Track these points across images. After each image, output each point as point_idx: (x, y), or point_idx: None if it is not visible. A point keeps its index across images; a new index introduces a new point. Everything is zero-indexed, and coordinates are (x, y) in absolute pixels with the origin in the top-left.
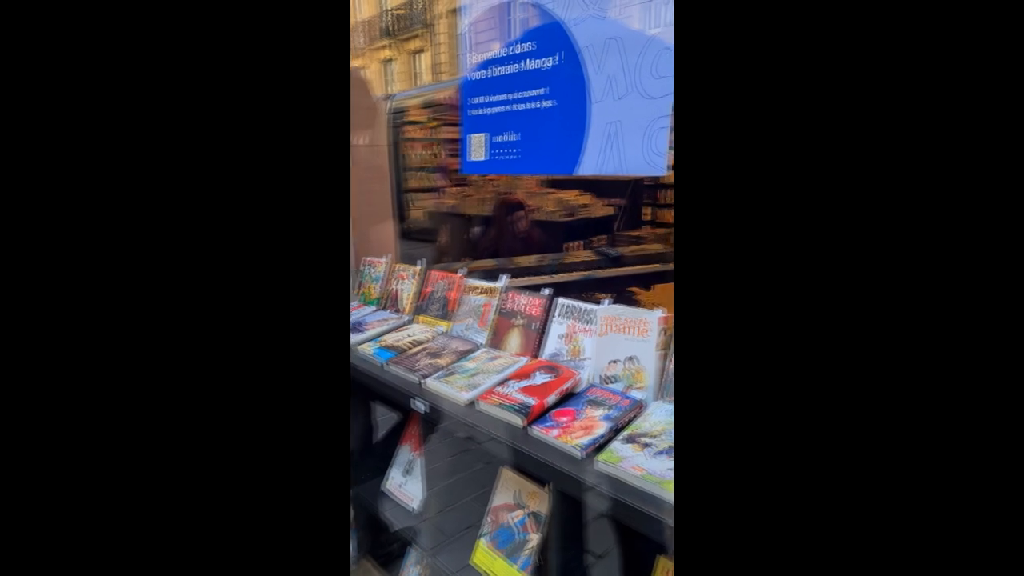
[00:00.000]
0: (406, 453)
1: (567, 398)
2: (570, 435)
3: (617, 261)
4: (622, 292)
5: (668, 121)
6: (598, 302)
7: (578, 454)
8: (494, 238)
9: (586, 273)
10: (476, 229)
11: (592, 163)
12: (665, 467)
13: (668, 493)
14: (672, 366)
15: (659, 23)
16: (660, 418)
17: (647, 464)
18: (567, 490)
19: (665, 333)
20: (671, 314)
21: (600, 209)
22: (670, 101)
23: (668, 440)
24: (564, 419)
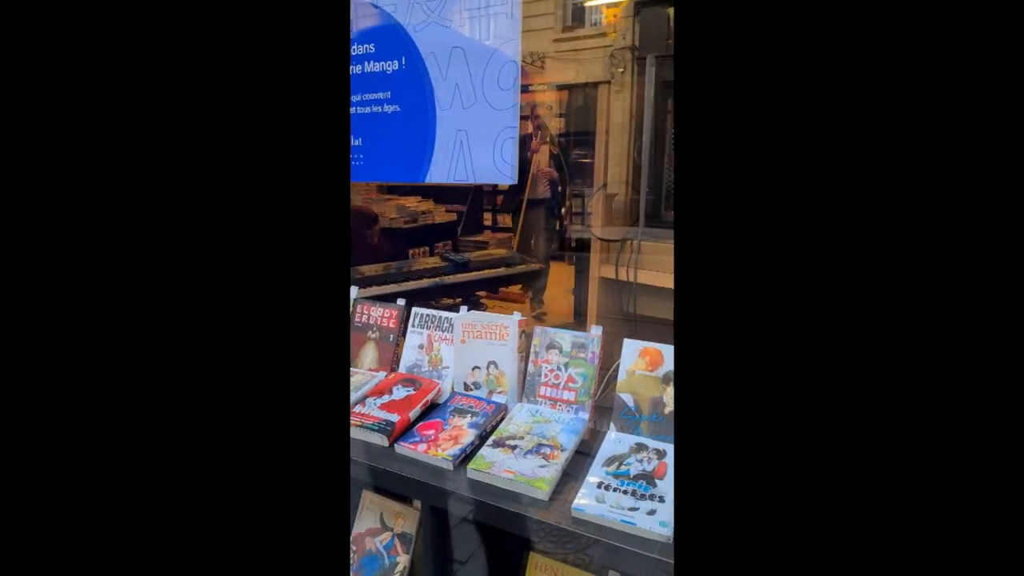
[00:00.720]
0: None
1: (430, 410)
2: (438, 447)
3: (465, 267)
4: (469, 297)
5: (515, 132)
6: (454, 309)
7: (449, 465)
8: None
9: (434, 280)
10: None
11: (442, 171)
12: (534, 465)
13: (539, 491)
14: (531, 367)
15: (490, 35)
16: (524, 419)
17: (516, 465)
18: (438, 504)
19: (523, 336)
20: (527, 316)
21: (442, 215)
22: (516, 112)
23: (534, 439)
24: (430, 432)
